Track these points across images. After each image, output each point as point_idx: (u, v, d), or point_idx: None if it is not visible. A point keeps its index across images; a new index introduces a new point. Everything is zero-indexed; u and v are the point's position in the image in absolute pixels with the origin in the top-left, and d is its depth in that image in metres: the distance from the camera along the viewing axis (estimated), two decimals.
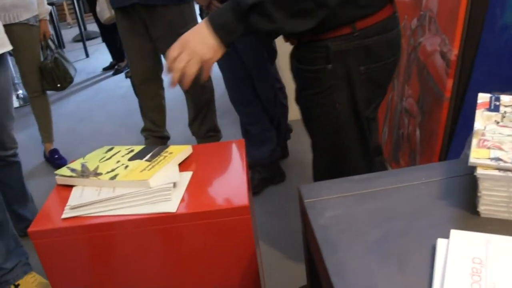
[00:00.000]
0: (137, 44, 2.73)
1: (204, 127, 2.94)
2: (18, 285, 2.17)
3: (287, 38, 1.47)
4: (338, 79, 1.37)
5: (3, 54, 2.04)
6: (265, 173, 2.72)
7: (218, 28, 1.22)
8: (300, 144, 3.08)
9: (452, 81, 2.09)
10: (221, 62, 2.54)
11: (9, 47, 2.07)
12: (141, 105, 3.02)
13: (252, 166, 2.73)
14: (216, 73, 2.79)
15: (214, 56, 1.24)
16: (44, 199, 1.27)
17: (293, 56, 1.47)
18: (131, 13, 2.62)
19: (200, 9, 2.85)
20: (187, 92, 2.82)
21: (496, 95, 1.00)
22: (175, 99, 3.51)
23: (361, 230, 0.81)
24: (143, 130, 3.08)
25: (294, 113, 2.92)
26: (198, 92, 2.80)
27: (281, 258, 2.21)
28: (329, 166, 1.54)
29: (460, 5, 2.00)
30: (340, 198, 0.89)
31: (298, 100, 1.54)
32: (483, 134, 0.88)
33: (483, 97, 1.00)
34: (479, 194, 0.81)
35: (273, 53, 2.59)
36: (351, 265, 0.74)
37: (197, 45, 1.23)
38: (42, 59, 3.09)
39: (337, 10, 1.27)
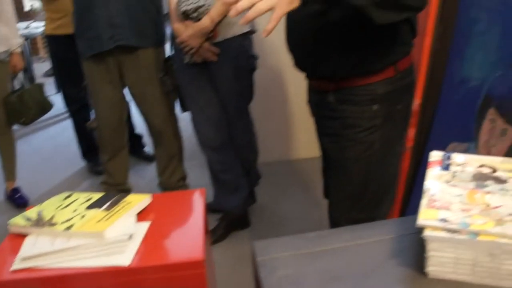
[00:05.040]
0: (107, 93, 2.62)
1: (175, 176, 2.87)
2: None
3: (321, 82, 1.52)
4: (381, 119, 1.44)
5: None
6: (231, 220, 2.69)
7: None
8: (266, 189, 3.07)
9: (414, 131, 2.14)
10: (193, 103, 2.54)
11: None
12: (104, 158, 2.85)
13: (216, 212, 2.72)
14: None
15: (288, 4, 1.19)
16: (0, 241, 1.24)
17: (330, 98, 1.50)
18: (106, 59, 2.53)
19: (176, 53, 2.60)
20: (159, 143, 2.78)
21: (448, 153, 1.03)
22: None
23: None
24: (104, 183, 2.92)
25: (262, 156, 2.94)
26: (172, 140, 2.78)
27: None
28: (354, 206, 1.56)
29: (422, 58, 2.06)
30: (292, 256, 0.89)
31: (329, 141, 1.57)
32: (433, 194, 0.89)
33: (435, 155, 1.02)
34: (427, 254, 0.81)
35: (252, 95, 2.58)
36: None
37: None
38: (11, 90, 3.06)
39: (385, 51, 1.38)
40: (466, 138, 1.93)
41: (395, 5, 1.23)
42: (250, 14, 1.17)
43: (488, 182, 0.92)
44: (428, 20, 2.01)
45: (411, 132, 2.15)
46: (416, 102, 2.11)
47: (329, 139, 1.57)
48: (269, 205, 2.96)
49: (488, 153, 1.79)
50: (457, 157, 1.01)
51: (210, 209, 2.83)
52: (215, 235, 2.62)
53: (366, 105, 1.42)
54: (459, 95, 1.97)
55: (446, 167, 0.97)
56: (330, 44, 1.40)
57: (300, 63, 1.54)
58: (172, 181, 2.86)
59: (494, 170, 0.97)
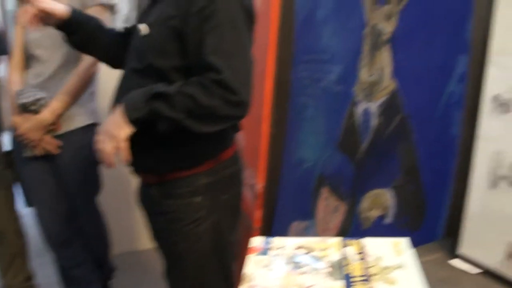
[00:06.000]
0: None
1: (20, 277, 2.62)
2: None
3: (145, 175, 1.50)
4: (205, 210, 1.41)
5: None
6: None
7: (126, 105, 1.28)
8: (121, 281, 2.95)
9: (260, 212, 2.22)
10: (36, 197, 2.42)
11: None
12: None
13: None
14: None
15: (120, 132, 1.27)
16: None
17: (153, 192, 1.47)
18: None
19: (16, 146, 2.39)
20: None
21: (268, 239, 1.08)
22: None
23: None
24: None
25: (115, 248, 2.84)
26: (13, 238, 2.58)
27: None
28: None
29: (262, 142, 2.18)
30: None
31: (158, 236, 1.55)
32: (251, 280, 0.93)
33: (256, 241, 1.07)
34: None
35: (99, 186, 2.52)
36: None
37: (109, 124, 1.30)
38: None
39: (206, 148, 1.39)
40: (306, 217, 2.05)
41: (213, 118, 1.29)
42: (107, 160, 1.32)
43: (303, 263, 0.98)
44: (264, 107, 2.16)
45: (258, 214, 2.23)
46: (260, 184, 2.21)
47: (159, 235, 1.55)
48: None
49: (325, 229, 1.91)
50: (277, 241, 1.07)
51: None
52: None
53: (188, 197, 1.42)
54: (297, 177, 2.10)
55: (265, 252, 1.02)
56: (151, 140, 1.40)
57: None
58: (17, 282, 2.63)
59: (310, 251, 1.03)
